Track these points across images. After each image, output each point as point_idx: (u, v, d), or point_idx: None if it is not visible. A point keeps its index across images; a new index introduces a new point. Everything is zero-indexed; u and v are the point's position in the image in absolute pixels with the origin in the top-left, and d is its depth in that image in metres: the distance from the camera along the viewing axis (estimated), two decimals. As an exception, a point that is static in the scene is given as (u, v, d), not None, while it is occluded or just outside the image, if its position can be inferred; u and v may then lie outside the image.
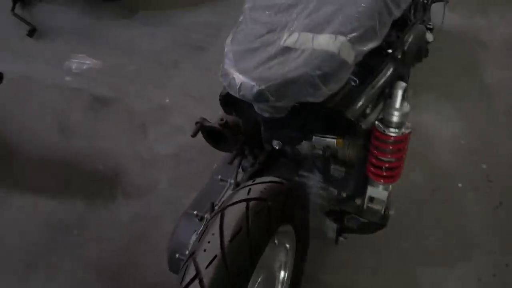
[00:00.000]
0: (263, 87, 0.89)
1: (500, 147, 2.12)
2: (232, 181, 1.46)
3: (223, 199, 1.40)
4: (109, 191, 1.96)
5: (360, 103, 1.05)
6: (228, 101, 1.16)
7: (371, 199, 1.32)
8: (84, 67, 2.43)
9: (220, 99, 1.18)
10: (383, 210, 1.32)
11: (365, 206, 1.34)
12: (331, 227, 1.60)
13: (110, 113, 2.24)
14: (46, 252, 1.81)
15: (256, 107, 0.98)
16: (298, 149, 1.29)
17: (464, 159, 2.06)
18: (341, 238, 1.61)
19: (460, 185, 1.96)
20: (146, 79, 2.38)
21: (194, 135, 1.36)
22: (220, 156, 1.97)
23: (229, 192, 1.43)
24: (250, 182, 1.17)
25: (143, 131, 2.16)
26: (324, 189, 1.44)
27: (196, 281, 0.96)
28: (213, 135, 1.38)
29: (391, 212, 1.33)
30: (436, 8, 2.31)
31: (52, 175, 2.03)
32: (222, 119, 1.33)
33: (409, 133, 1.19)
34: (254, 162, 1.46)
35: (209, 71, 2.41)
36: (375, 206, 1.33)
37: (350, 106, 1.04)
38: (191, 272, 0.97)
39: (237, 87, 0.93)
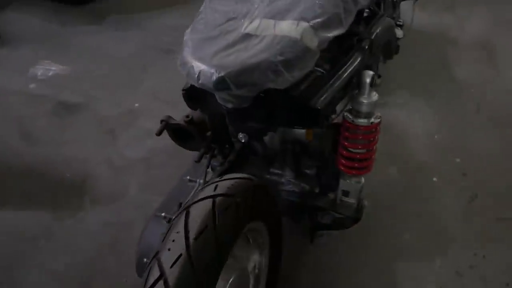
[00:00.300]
0: (222, 73, 0.85)
1: (473, 141, 2.12)
2: (201, 181, 1.41)
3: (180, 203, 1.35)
4: (77, 199, 1.88)
5: (326, 93, 1.02)
6: (191, 95, 1.11)
7: (344, 192, 1.29)
8: (50, 73, 2.35)
9: (183, 94, 1.13)
10: (356, 203, 1.29)
11: (338, 201, 1.31)
12: (304, 225, 1.56)
13: (77, 120, 2.17)
14: (11, 266, 1.71)
15: (218, 97, 0.94)
16: (268, 144, 1.25)
17: (438, 154, 2.06)
18: (317, 236, 1.58)
19: (435, 179, 1.95)
20: (114, 84, 2.32)
21: (159, 133, 1.31)
22: (191, 158, 1.93)
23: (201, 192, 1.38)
24: (217, 179, 1.12)
25: (112, 137, 2.09)
26: (296, 185, 1.40)
27: (161, 282, 0.91)
28: (180, 133, 1.34)
29: (365, 205, 1.30)
30: (405, 7, 2.32)
31: (16, 184, 1.94)
32: (187, 116, 1.29)
33: (379, 122, 1.17)
34: (224, 161, 1.41)
35: (178, 73, 2.35)
36: (349, 200, 1.30)
37: (316, 95, 1.00)
38: (155, 273, 0.92)
39: (196, 76, 0.88)
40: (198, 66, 0.89)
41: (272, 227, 1.30)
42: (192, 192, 1.38)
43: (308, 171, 1.36)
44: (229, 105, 0.94)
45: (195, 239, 0.94)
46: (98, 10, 2.72)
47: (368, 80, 1.09)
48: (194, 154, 1.57)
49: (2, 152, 2.02)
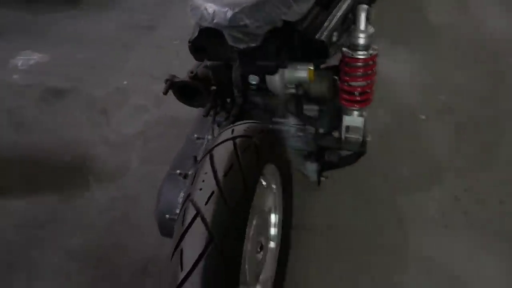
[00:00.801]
0: (237, 10, 0.88)
1: (453, 79, 2.21)
2: (209, 136, 1.45)
3: (195, 156, 1.39)
4: (81, 180, 1.89)
5: (329, 27, 1.07)
6: (198, 46, 1.14)
7: (348, 129, 1.35)
8: (31, 62, 2.32)
9: (189, 46, 1.16)
10: (361, 137, 1.35)
11: (343, 138, 1.36)
12: (311, 169, 1.62)
13: (67, 104, 2.16)
14: (26, 250, 1.72)
15: (230, 39, 0.97)
16: (272, 90, 1.29)
17: (423, 94, 2.14)
18: (322, 179, 1.64)
19: (423, 117, 2.03)
20: (99, 65, 2.31)
21: (165, 92, 1.33)
22: (188, 124, 1.97)
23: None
24: (231, 125, 1.16)
25: (105, 116, 2.09)
26: (302, 130, 1.45)
27: (198, 219, 0.95)
28: (185, 92, 1.36)
29: (369, 139, 1.37)
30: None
31: (17, 173, 1.93)
32: (192, 72, 1.32)
33: (376, 54, 1.22)
34: (228, 116, 1.45)
35: (161, 48, 2.37)
36: (353, 135, 1.36)
37: (320, 29, 1.05)
38: (191, 212, 0.96)
39: (211, 16, 0.91)
40: (211, 6, 0.92)
41: (284, 171, 1.35)
42: (202, 148, 1.42)
43: (311, 114, 1.41)
44: (241, 45, 0.97)
45: (224, 176, 0.99)
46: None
47: (363, 13, 1.14)
48: (194, 115, 1.61)
49: (-3, 144, 2.01)
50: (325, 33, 1.05)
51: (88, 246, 1.71)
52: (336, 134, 1.38)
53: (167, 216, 1.32)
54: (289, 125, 1.48)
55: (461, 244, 1.63)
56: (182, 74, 2.23)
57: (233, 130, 1.11)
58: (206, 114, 1.34)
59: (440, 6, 2.61)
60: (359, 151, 1.38)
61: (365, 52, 1.19)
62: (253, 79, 1.15)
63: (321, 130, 1.40)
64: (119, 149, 1.98)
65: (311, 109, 1.40)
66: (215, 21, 0.92)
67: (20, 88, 2.23)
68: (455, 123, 2.00)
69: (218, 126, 1.46)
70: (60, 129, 2.06)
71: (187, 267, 0.93)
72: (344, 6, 1.16)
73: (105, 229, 1.75)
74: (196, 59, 1.24)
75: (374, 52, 1.21)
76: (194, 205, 0.96)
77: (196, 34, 1.09)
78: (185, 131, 1.98)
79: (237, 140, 1.06)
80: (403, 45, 2.38)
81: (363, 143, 1.37)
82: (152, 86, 2.19)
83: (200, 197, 0.96)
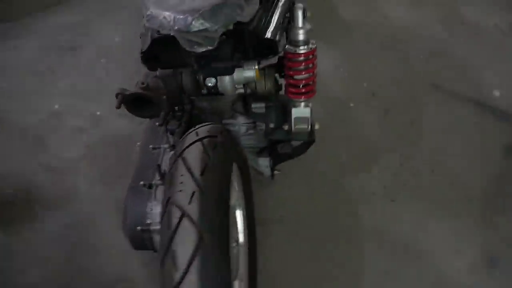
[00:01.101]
0: (197, 15, 0.93)
1: (371, 66, 2.40)
2: (166, 145, 1.47)
3: (164, 161, 1.41)
4: (28, 211, 1.80)
5: (273, 26, 1.15)
6: (150, 55, 1.17)
7: (297, 120, 1.44)
8: None
9: (141, 56, 1.18)
10: (309, 127, 1.45)
11: (293, 129, 1.46)
12: (264, 165, 1.70)
13: (-3, 136, 2.05)
14: (-22, 295, 1.63)
15: (188, 44, 1.01)
16: (223, 91, 1.35)
17: (348, 84, 2.31)
18: (276, 172, 1.72)
19: (352, 104, 2.20)
20: (25, 92, 2.20)
21: (119, 106, 1.33)
22: (129, 141, 1.96)
23: (167, 155, 1.44)
24: (192, 128, 1.20)
25: (42, 143, 2.01)
26: (252, 127, 1.53)
27: (185, 219, 0.98)
28: (136, 103, 1.38)
29: (316, 127, 1.47)
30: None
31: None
32: (143, 83, 1.33)
33: (315, 48, 1.33)
34: (180, 123, 1.49)
35: (89, 68, 2.32)
36: (302, 126, 1.45)
37: (266, 29, 1.13)
38: (177, 213, 0.99)
39: (171, 23, 0.95)
40: (170, 15, 0.95)
41: (243, 168, 1.42)
42: (161, 157, 1.44)
43: (258, 111, 1.49)
44: (200, 49, 1.02)
45: (201, 175, 1.03)
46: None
47: (300, 12, 1.24)
48: (143, 128, 1.62)
49: None
50: (272, 32, 1.13)
51: (49, 277, 1.65)
52: (285, 127, 1.46)
53: (139, 228, 1.32)
54: (239, 124, 1.55)
55: (406, 214, 1.79)
56: (113, 92, 2.22)
57: (197, 133, 1.15)
58: (162, 123, 1.37)
59: (350, 6, 2.82)
60: (309, 140, 1.48)
61: (305, 47, 1.30)
62: (209, 82, 1.20)
63: (271, 125, 1.48)
64: (63, 174, 1.91)
65: (258, 107, 1.48)
66: (175, 27, 0.96)
67: None
68: (379, 107, 2.18)
69: (171, 134, 1.49)
70: (-6, 163, 1.95)
71: (182, 266, 0.96)
72: (281, 6, 1.25)
73: (64, 257, 1.69)
74: (149, 69, 1.26)
75: (313, 46, 1.31)
76: (178, 206, 0.99)
77: (148, 44, 1.12)
78: (127, 149, 1.99)
79: (204, 141, 1.11)
80: (322, 42, 2.54)
81: (312, 132, 1.47)
82: (86, 107, 2.14)
83: (182, 199, 1.00)
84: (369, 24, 2.69)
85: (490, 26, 2.65)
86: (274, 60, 1.45)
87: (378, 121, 2.12)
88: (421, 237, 1.73)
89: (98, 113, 2.12)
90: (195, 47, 1.02)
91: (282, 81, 1.50)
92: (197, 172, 1.03)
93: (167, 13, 0.95)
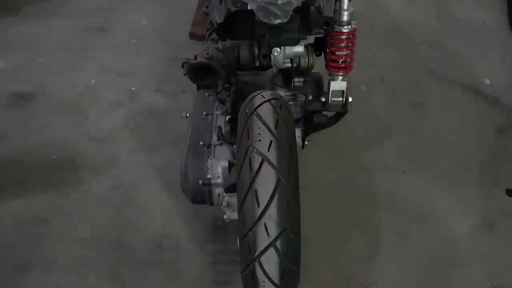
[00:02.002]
0: (287, -11, 1.09)
1: (377, 55, 2.59)
2: (218, 112, 1.62)
3: (215, 126, 1.56)
4: (74, 175, 1.90)
5: (328, 5, 1.32)
6: (225, 27, 1.31)
7: (334, 93, 1.61)
8: (-13, 70, 2.23)
9: (217, 27, 1.32)
10: (344, 99, 1.62)
11: (329, 101, 1.62)
12: (296, 135, 1.85)
13: (38, 107, 2.11)
14: (34, 248, 1.71)
15: (267, 16, 1.16)
16: (274, 64, 1.50)
17: (359, 70, 2.45)
18: (307, 143, 1.89)
19: (363, 87, 2.38)
20: (60, 67, 2.28)
21: (187, 73, 1.48)
22: (165, 115, 2.08)
23: (221, 121, 1.59)
24: (254, 94, 1.35)
25: (82, 114, 2.10)
26: (292, 99, 1.69)
27: (265, 163, 1.14)
28: (198, 72, 1.52)
29: (350, 99, 1.64)
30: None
31: (4, 178, 1.88)
32: (207, 54, 1.48)
33: (356, 28, 1.50)
34: (229, 93, 1.64)
35: (120, 47, 2.42)
36: (337, 98, 1.62)
37: (325, 7, 1.30)
38: (257, 159, 1.15)
39: (263, -4, 1.10)
40: (263, -12, 1.11)
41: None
42: (214, 121, 1.58)
43: (298, 85, 1.65)
44: (275, 21, 1.17)
45: (275, 128, 1.19)
46: (9, 3, 2.56)
47: (347, -6, 1.41)
48: (192, 99, 1.75)
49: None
50: (329, 10, 1.30)
51: (98, 233, 1.76)
52: (322, 98, 1.63)
53: (200, 182, 1.47)
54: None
55: (415, 183, 1.99)
56: (148, 70, 2.33)
57: (263, 96, 1.30)
58: (222, 90, 1.52)
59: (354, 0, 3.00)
60: (343, 111, 1.65)
61: (348, 27, 1.46)
62: (275, 51, 1.36)
63: (309, 97, 1.64)
64: (104, 143, 2.02)
65: (298, 81, 1.64)
66: (266, 0, 1.11)
67: (-19, 96, 2.15)
68: (388, 90, 2.37)
69: (222, 103, 1.64)
70: (37, 131, 2.03)
71: (263, 203, 1.12)
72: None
73: (110, 215, 1.81)
74: (221, 39, 1.41)
75: (355, 27, 1.48)
76: (259, 153, 1.15)
77: (224, 16, 1.27)
78: (163, 120, 2.11)
79: (272, 101, 1.26)
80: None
81: (345, 104, 1.64)
82: (121, 82, 2.25)
83: (261, 146, 1.16)
84: (372, 16, 2.88)
85: (478, 22, 2.88)
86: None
87: (387, 102, 2.31)
88: (429, 203, 1.93)
89: (133, 88, 2.23)
90: (271, 18, 1.17)
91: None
92: (271, 125, 1.19)
93: (259, -13, 1.10)
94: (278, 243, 1.10)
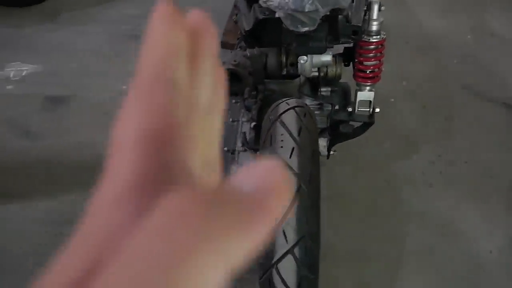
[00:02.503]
0: (312, -3, 1.10)
1: (408, 68, 2.56)
2: (244, 119, 1.64)
3: (240, 133, 1.57)
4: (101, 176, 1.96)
5: (357, 15, 1.32)
6: (253, 35, 1.34)
7: (361, 103, 1.60)
8: (24, 73, 2.32)
9: (246, 34, 1.35)
10: (370, 110, 1.61)
11: (356, 111, 1.62)
12: (322, 145, 1.86)
13: (70, 110, 2.20)
14: (57, 248, 1.76)
15: (294, 24, 1.18)
16: (301, 73, 1.51)
17: (389, 81, 2.45)
18: (332, 153, 1.88)
19: (392, 100, 2.36)
20: (93, 72, 2.37)
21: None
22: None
23: (246, 127, 1.61)
24: (279, 101, 1.36)
25: (112, 118, 2.16)
26: (319, 109, 1.69)
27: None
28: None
29: (377, 110, 1.63)
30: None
31: (34, 177, 1.95)
32: (235, 61, 1.50)
33: (385, 39, 1.49)
34: (256, 101, 1.66)
35: (151, 54, 2.49)
36: (364, 108, 1.61)
37: (354, 16, 1.30)
38: None
39: (289, 3, 1.12)
40: (289, -4, 1.13)
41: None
42: (239, 128, 1.60)
43: (325, 94, 1.65)
44: (303, 29, 1.18)
45: (298, 135, 1.20)
46: (48, 9, 2.68)
47: (376, 5, 1.40)
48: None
49: (9, 152, 2.00)
50: (357, 19, 1.30)
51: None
52: (349, 108, 1.62)
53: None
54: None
55: (443, 198, 1.95)
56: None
57: (288, 103, 1.31)
58: (248, 97, 1.54)
59: (388, 13, 2.98)
60: (369, 121, 1.64)
61: (377, 37, 1.46)
62: (302, 59, 1.37)
63: (336, 107, 1.64)
64: (132, 147, 2.07)
65: (326, 90, 1.64)
66: (293, 7, 1.12)
67: (18, 98, 2.23)
68: (418, 103, 2.34)
69: (248, 110, 1.65)
70: (69, 133, 2.10)
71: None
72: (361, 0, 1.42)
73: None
74: (249, 47, 1.43)
75: (384, 37, 1.48)
76: (280, 158, 1.15)
77: (252, 24, 1.29)
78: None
79: (297, 109, 1.27)
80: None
81: (372, 114, 1.63)
82: (151, 89, 2.30)
83: (283, 153, 1.16)
84: (404, 27, 2.86)
85: (515, 38, 2.82)
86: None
87: (417, 116, 2.28)
88: (457, 219, 1.88)
89: (162, 94, 2.28)
90: (299, 26, 1.18)
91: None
92: (295, 132, 1.20)
93: (285, -5, 1.12)
94: (296, 251, 1.10)
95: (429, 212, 1.90)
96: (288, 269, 1.12)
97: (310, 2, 1.10)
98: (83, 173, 1.98)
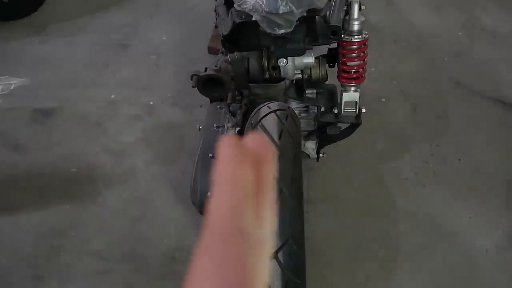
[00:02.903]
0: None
1: (399, 67, 2.55)
2: (229, 124, 1.63)
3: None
4: (91, 187, 1.95)
5: (336, 15, 1.31)
6: (231, 39, 1.33)
7: (346, 104, 1.59)
8: (12, 87, 2.32)
9: (223, 39, 1.34)
10: (357, 110, 1.60)
11: (342, 112, 1.61)
12: (311, 147, 1.85)
13: (59, 121, 2.19)
14: (51, 259, 1.76)
15: (270, 26, 1.17)
16: (284, 76, 1.50)
17: (380, 81, 2.46)
18: (321, 155, 1.87)
19: (383, 99, 2.35)
20: (82, 83, 2.37)
21: (195, 85, 1.49)
22: (183, 127, 2.12)
23: (231, 133, 1.60)
24: (262, 105, 1.36)
25: (101, 128, 2.17)
26: (305, 111, 1.68)
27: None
28: (207, 84, 1.53)
29: (363, 110, 1.62)
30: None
31: (26, 189, 1.94)
32: (216, 66, 1.49)
33: (367, 38, 1.49)
34: (240, 105, 1.65)
35: (140, 63, 2.49)
36: (350, 109, 1.60)
37: (332, 17, 1.29)
38: None
39: (263, 5, 1.11)
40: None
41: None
42: (225, 133, 1.59)
43: (311, 96, 1.64)
44: (279, 31, 1.18)
45: (279, 139, 1.19)
46: (36, 22, 2.69)
47: (356, 5, 1.40)
48: (206, 111, 1.78)
49: (-2, 166, 2.01)
50: (336, 20, 1.29)
51: (113, 245, 1.79)
52: (335, 110, 1.61)
53: (209, 193, 1.47)
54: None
55: (436, 198, 1.93)
56: (166, 85, 2.38)
57: (269, 107, 1.31)
58: (232, 102, 1.53)
59: (377, 13, 2.98)
60: (356, 122, 1.63)
61: (359, 37, 1.45)
62: (282, 62, 1.36)
63: (322, 109, 1.63)
64: (122, 156, 2.06)
65: (311, 93, 1.63)
66: (267, 10, 1.12)
67: (7, 112, 2.23)
68: (409, 102, 2.33)
69: (233, 115, 1.65)
70: (58, 145, 2.10)
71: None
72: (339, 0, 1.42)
73: (125, 228, 1.84)
74: (228, 51, 1.42)
75: (366, 36, 1.47)
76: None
77: (230, 28, 1.28)
78: (180, 134, 2.14)
79: (278, 112, 1.26)
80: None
81: (359, 115, 1.62)
82: (140, 97, 2.30)
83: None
84: (394, 27, 2.85)
85: (506, 31, 2.80)
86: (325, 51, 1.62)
87: (408, 115, 2.27)
88: (451, 218, 1.86)
89: (151, 102, 2.28)
90: (275, 29, 1.17)
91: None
92: (275, 136, 1.19)
93: (259, -2, 1.11)
94: (280, 255, 1.09)
95: (422, 212, 1.88)
96: (273, 274, 1.10)
97: (284, 3, 1.09)
98: (73, 185, 1.99)
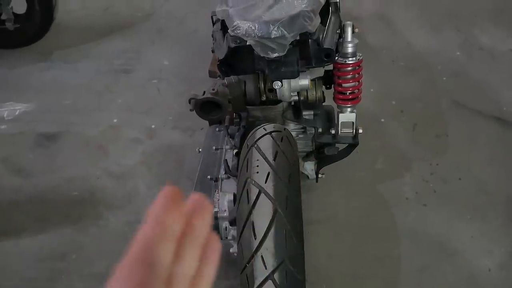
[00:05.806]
0: (277, 24, 1.12)
1: (397, 87, 2.57)
2: (227, 146, 1.65)
3: (226, 160, 1.58)
4: (92, 211, 1.97)
5: (329, 38, 1.34)
6: (227, 63, 1.36)
7: (343, 124, 1.61)
8: (17, 113, 2.37)
9: (219, 64, 1.37)
10: (354, 131, 1.62)
11: (339, 133, 1.62)
12: (310, 168, 1.86)
13: (62, 146, 2.23)
14: (52, 283, 1.77)
15: (264, 50, 1.20)
16: (281, 98, 1.53)
17: (378, 102, 2.48)
18: (320, 176, 1.88)
19: (382, 120, 2.36)
20: (85, 108, 2.41)
21: (193, 109, 1.52)
22: (183, 151, 2.14)
23: (229, 155, 1.62)
24: (258, 127, 1.38)
25: (103, 152, 2.20)
26: (302, 133, 1.70)
27: (262, 195, 1.15)
28: (205, 107, 1.56)
29: (360, 131, 1.63)
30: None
31: (28, 213, 1.96)
32: (213, 89, 1.52)
33: (362, 59, 1.51)
34: (238, 128, 1.67)
35: (142, 88, 2.53)
36: (347, 130, 1.62)
37: (325, 40, 1.32)
38: (254, 191, 1.16)
39: (255, 30, 1.14)
40: (254, 24, 1.15)
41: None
42: (223, 156, 1.61)
43: (308, 118, 1.66)
44: (272, 55, 1.21)
45: (274, 160, 1.20)
46: (40, 49, 2.76)
47: (350, 28, 1.43)
48: (205, 133, 1.80)
49: (0, 191, 2.03)
50: (329, 42, 1.32)
51: (114, 268, 1.79)
52: (332, 130, 1.63)
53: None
54: (290, 130, 1.72)
55: (438, 217, 1.92)
56: (167, 108, 2.41)
57: (265, 129, 1.33)
58: (230, 124, 1.55)
59: (373, 30, 3.02)
60: (353, 142, 1.64)
61: (353, 58, 1.48)
62: (276, 85, 1.39)
63: (319, 130, 1.65)
64: (123, 179, 2.09)
65: (308, 114, 1.65)
66: (259, 34, 1.15)
67: (11, 137, 2.27)
68: (408, 122, 2.34)
69: (231, 137, 1.67)
70: (61, 169, 2.13)
71: (260, 235, 1.12)
72: (333, 23, 1.45)
73: (126, 251, 1.84)
74: (224, 75, 1.45)
75: (360, 58, 1.49)
76: (256, 185, 1.16)
77: (225, 53, 1.32)
78: (181, 157, 2.16)
79: (273, 134, 1.28)
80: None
81: (356, 135, 1.63)
82: (142, 121, 2.34)
83: (259, 178, 1.17)
84: (392, 48, 2.88)
85: (504, 51, 2.83)
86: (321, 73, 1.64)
87: (407, 134, 2.28)
88: (453, 238, 1.86)
89: (153, 126, 2.31)
90: (269, 52, 1.20)
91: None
92: (270, 157, 1.20)
93: (251, 23, 1.15)
94: (276, 276, 1.09)
95: (423, 232, 1.88)
96: (269, 295, 1.10)
97: (275, 28, 1.13)
98: (75, 208, 2.00)
